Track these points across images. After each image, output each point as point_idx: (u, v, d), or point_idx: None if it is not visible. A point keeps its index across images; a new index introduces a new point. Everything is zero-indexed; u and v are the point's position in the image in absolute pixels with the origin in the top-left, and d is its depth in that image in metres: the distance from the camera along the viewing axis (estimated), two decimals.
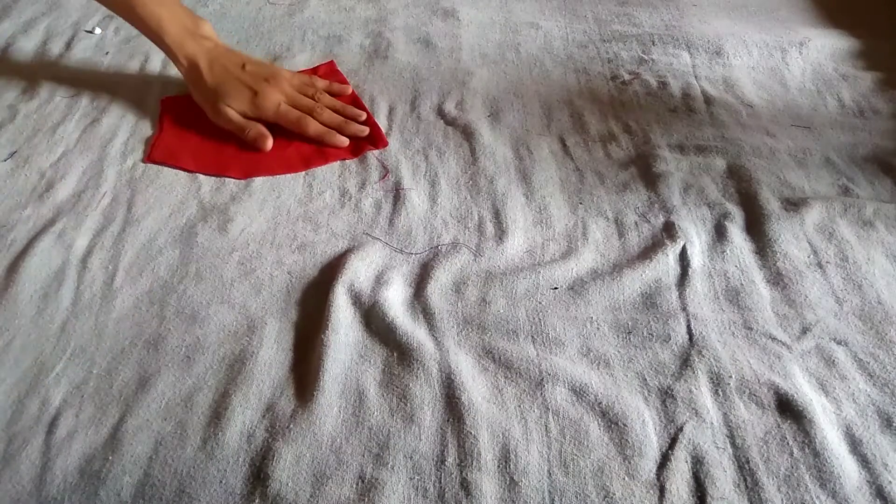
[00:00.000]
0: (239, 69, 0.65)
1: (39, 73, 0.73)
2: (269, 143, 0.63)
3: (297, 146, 0.64)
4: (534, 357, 0.47)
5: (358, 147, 0.64)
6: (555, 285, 0.52)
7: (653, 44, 0.81)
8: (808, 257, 0.54)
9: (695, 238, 0.55)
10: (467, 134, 0.66)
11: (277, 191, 0.60)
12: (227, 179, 0.61)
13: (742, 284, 0.52)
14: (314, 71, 0.74)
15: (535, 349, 0.48)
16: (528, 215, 0.58)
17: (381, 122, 0.68)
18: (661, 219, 0.58)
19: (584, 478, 0.41)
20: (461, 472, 0.41)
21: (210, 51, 0.66)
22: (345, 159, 0.63)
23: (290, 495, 0.40)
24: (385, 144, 0.65)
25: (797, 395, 0.45)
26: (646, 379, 0.46)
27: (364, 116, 0.67)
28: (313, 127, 0.64)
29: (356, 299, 0.50)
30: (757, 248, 0.55)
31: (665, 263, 0.53)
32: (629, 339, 0.49)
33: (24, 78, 0.72)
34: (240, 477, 0.40)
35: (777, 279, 0.53)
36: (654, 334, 0.49)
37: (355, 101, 0.70)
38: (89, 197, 0.58)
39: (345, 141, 0.64)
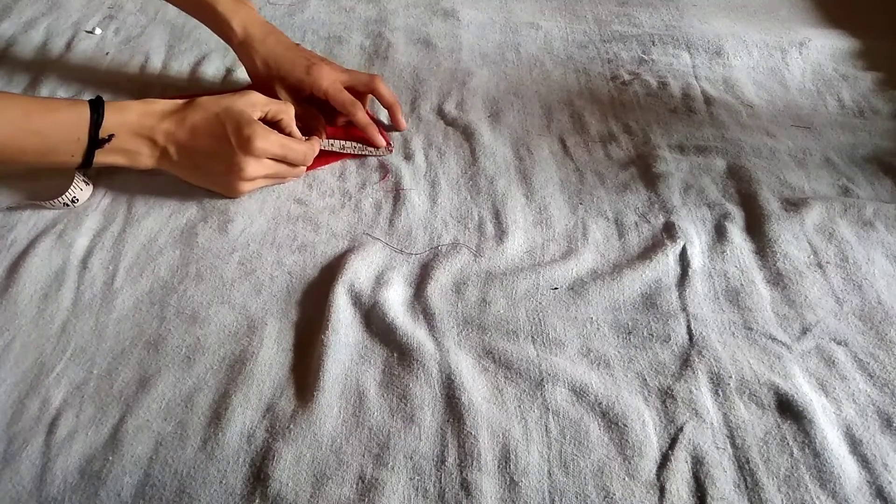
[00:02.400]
0: (293, 45, 0.65)
1: (40, 73, 0.73)
2: (324, 136, 0.63)
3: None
4: (534, 357, 0.47)
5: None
6: (555, 285, 0.52)
7: (653, 44, 0.81)
8: (808, 257, 0.54)
9: (695, 238, 0.55)
10: (467, 134, 0.66)
11: (277, 191, 0.60)
12: None
13: (742, 285, 0.52)
14: None
15: (535, 349, 0.48)
16: (528, 215, 0.58)
17: (382, 122, 0.68)
18: (661, 219, 0.58)
19: (584, 478, 0.41)
20: (461, 473, 0.41)
21: (264, 23, 0.65)
22: (345, 159, 0.63)
23: (290, 495, 0.40)
24: (390, 150, 0.65)
25: (797, 395, 0.45)
26: (646, 379, 0.46)
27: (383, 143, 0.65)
28: (362, 114, 0.63)
29: (356, 299, 0.50)
30: (757, 249, 0.55)
31: (665, 264, 0.53)
32: (629, 339, 0.49)
33: (24, 78, 0.72)
34: (240, 477, 0.41)
35: (777, 279, 0.53)
36: (654, 334, 0.49)
37: None
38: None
39: (382, 141, 0.64)
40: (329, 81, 0.62)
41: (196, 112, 0.54)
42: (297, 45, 0.66)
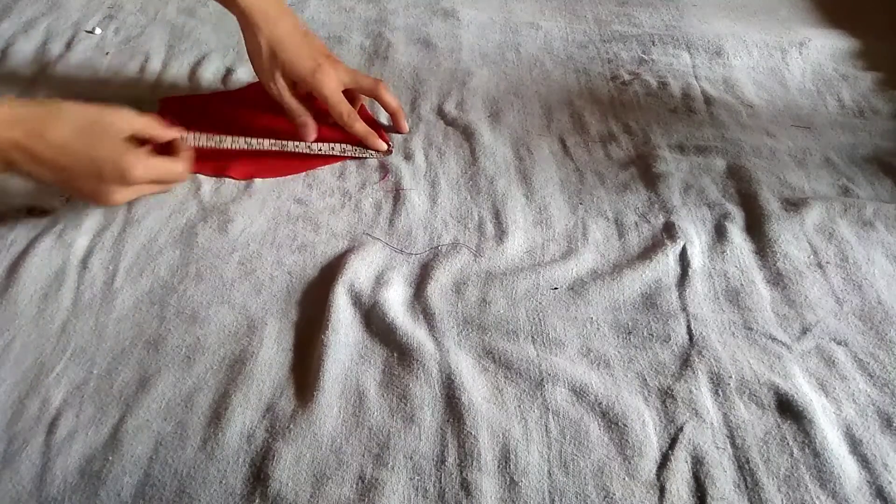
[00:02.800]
0: (303, 34, 0.61)
1: (39, 73, 0.73)
2: (313, 135, 0.62)
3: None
4: (534, 357, 0.47)
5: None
6: (555, 285, 0.52)
7: (653, 44, 0.81)
8: (808, 257, 0.54)
9: (695, 238, 0.55)
10: (467, 134, 0.66)
11: (277, 191, 0.60)
12: (227, 180, 0.61)
13: (742, 284, 0.52)
14: None
15: (535, 349, 0.48)
16: (528, 215, 0.58)
17: (381, 122, 0.68)
18: (661, 219, 0.58)
19: (584, 478, 0.41)
20: (461, 473, 0.41)
21: (276, 0, 0.61)
22: (345, 160, 0.63)
23: (290, 495, 0.40)
24: (390, 151, 0.64)
25: (797, 395, 0.45)
26: (646, 379, 0.46)
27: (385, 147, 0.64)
28: (359, 125, 0.62)
29: (356, 299, 0.50)
30: (757, 249, 0.55)
31: (665, 263, 0.53)
32: (629, 339, 0.49)
33: (24, 78, 0.72)
34: (240, 477, 0.41)
35: (777, 279, 0.53)
36: (654, 334, 0.49)
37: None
38: None
39: (383, 145, 0.63)
40: (331, 89, 0.60)
41: (59, 126, 0.49)
42: (307, 32, 0.62)
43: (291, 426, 0.43)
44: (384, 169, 0.62)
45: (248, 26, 0.60)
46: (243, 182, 0.61)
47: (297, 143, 0.62)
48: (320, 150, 0.62)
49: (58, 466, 0.41)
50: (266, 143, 0.61)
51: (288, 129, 0.65)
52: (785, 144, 0.66)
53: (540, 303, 0.51)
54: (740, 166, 0.63)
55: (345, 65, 0.63)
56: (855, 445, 0.43)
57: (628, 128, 0.68)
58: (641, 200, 0.60)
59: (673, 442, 0.42)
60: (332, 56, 0.62)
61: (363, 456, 0.42)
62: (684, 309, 0.50)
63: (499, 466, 0.41)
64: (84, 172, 0.49)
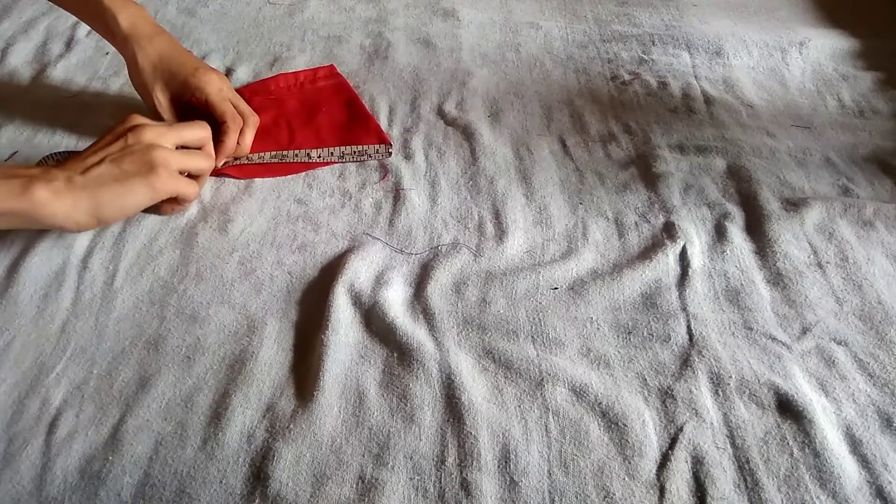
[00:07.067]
0: (179, 48, 0.62)
1: (39, 73, 0.73)
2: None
3: (297, 143, 0.64)
4: (534, 357, 0.47)
5: (354, 137, 0.65)
6: (555, 285, 0.52)
7: (653, 44, 0.81)
8: (808, 257, 0.54)
9: (695, 238, 0.55)
10: (467, 134, 0.66)
11: (277, 191, 0.60)
12: (227, 179, 0.61)
13: (742, 284, 0.52)
14: (314, 73, 0.74)
15: (535, 349, 0.48)
16: (528, 215, 0.58)
17: (381, 123, 0.68)
18: (661, 219, 0.58)
19: (584, 478, 0.41)
20: (461, 473, 0.41)
21: (154, 22, 0.62)
22: (347, 161, 0.63)
23: (290, 495, 0.40)
24: (388, 142, 0.65)
25: (797, 395, 0.45)
26: (646, 379, 0.46)
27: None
28: (233, 136, 0.60)
29: (356, 299, 0.50)
30: (757, 248, 0.55)
31: (665, 263, 0.53)
32: (629, 339, 0.49)
33: (24, 78, 0.72)
34: (240, 477, 0.41)
35: (777, 279, 0.53)
36: (654, 334, 0.49)
37: (354, 101, 0.70)
38: None
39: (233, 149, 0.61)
40: (215, 88, 0.60)
41: (81, 153, 0.50)
42: (186, 49, 0.63)
43: (291, 426, 0.43)
44: (384, 169, 0.62)
45: (129, 50, 0.61)
46: (243, 182, 0.61)
47: (296, 152, 0.63)
48: (319, 156, 0.63)
49: (58, 466, 0.41)
50: (267, 157, 0.63)
51: (290, 128, 0.65)
52: (785, 144, 0.66)
53: (540, 303, 0.51)
54: (740, 166, 0.63)
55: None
56: (855, 445, 0.43)
57: (628, 128, 0.68)
58: (641, 200, 0.60)
59: (673, 442, 0.42)
60: (216, 70, 0.63)
61: (363, 456, 0.42)
62: (684, 309, 0.50)
63: (499, 466, 0.41)
64: (118, 158, 0.49)
